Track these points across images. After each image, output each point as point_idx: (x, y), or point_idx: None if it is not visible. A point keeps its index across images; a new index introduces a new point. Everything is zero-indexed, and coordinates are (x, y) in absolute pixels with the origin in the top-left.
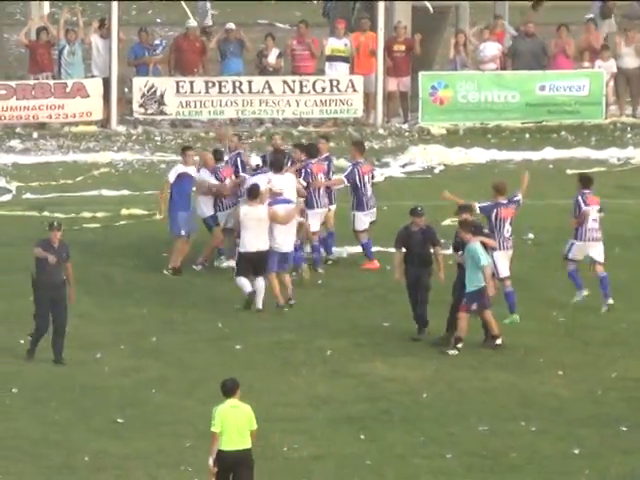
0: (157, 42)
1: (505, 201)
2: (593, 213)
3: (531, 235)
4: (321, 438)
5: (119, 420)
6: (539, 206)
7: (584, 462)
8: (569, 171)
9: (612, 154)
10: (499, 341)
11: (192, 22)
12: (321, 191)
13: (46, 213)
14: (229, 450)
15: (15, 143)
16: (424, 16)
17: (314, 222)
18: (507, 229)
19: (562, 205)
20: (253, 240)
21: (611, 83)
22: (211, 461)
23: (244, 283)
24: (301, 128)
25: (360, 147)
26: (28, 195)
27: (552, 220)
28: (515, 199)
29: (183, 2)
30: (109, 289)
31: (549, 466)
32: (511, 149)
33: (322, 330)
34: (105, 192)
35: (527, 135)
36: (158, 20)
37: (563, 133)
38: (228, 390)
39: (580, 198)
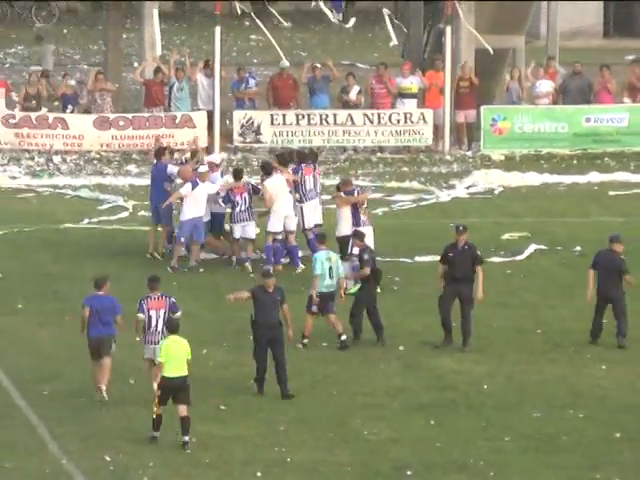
0: (247, 76)
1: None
2: None
3: (578, 247)
4: (396, 423)
5: (222, 407)
6: (585, 223)
7: (625, 445)
8: (611, 192)
9: None
10: (343, 337)
11: (285, 63)
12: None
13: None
14: (171, 376)
15: (131, 167)
16: (486, 57)
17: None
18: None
19: (605, 222)
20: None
21: None
22: (155, 385)
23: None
24: (379, 155)
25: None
26: (142, 212)
27: (596, 234)
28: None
29: (276, 45)
30: (215, 293)
31: (594, 448)
32: (561, 173)
33: (398, 330)
34: None
35: (575, 161)
36: (255, 60)
37: (606, 159)
38: (173, 328)
39: None
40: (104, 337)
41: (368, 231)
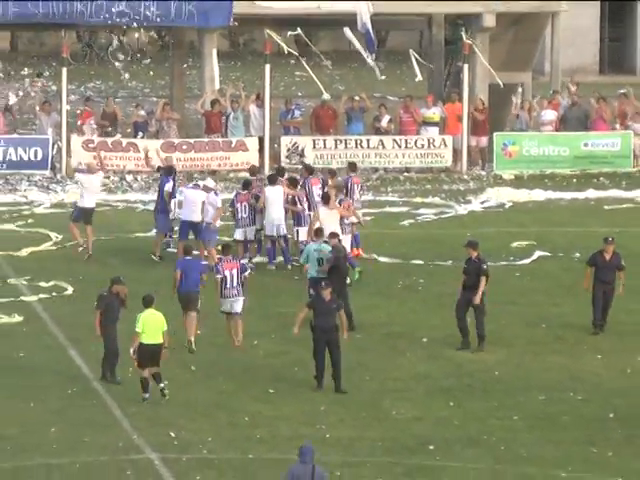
0: (293, 107)
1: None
2: None
3: (577, 254)
4: (420, 404)
5: (270, 390)
6: (583, 233)
7: (617, 423)
8: (606, 207)
9: (638, 194)
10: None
11: (326, 95)
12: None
13: None
14: (148, 343)
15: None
16: (497, 90)
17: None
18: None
19: (600, 232)
20: None
21: (637, 141)
22: (132, 351)
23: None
24: (406, 174)
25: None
26: None
27: (593, 243)
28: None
29: (318, 80)
30: (262, 292)
31: (590, 426)
32: (562, 190)
33: (422, 324)
34: None
35: (574, 180)
36: (299, 94)
37: (601, 179)
38: (148, 303)
39: None
40: (192, 294)
41: (348, 237)
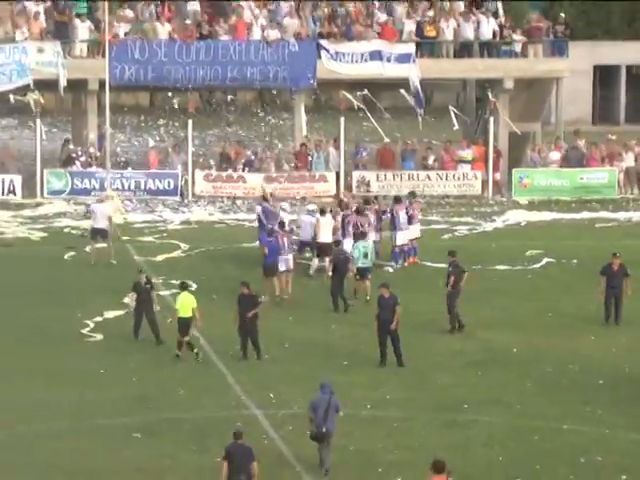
0: (361, 149)
1: None
2: None
3: (575, 261)
4: (456, 374)
5: (345, 363)
6: (580, 245)
7: (605, 389)
8: (597, 225)
9: (621, 216)
10: (368, 297)
11: (386, 140)
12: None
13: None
14: (183, 317)
15: (286, 206)
16: (515, 136)
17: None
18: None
19: (591, 245)
20: None
21: (621, 175)
22: (169, 320)
23: None
24: (446, 200)
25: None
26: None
27: (587, 252)
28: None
29: (380, 129)
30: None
31: (585, 390)
32: (564, 213)
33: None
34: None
35: (573, 205)
36: (366, 139)
37: (594, 203)
38: (184, 287)
39: None
40: (275, 265)
41: (349, 241)
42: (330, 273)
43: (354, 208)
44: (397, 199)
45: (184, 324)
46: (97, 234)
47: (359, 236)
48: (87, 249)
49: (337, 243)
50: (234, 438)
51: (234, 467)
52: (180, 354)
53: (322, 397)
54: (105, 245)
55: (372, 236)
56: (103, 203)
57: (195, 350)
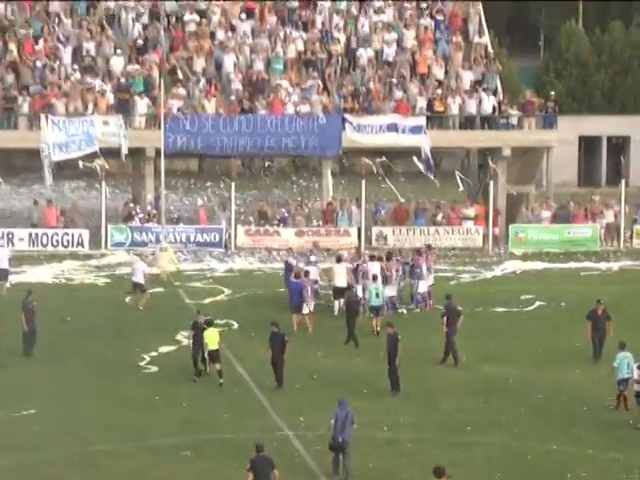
0: (380, 208)
1: None
2: None
3: (563, 304)
4: (460, 400)
5: (365, 391)
6: (567, 290)
7: (589, 414)
8: (582, 273)
9: (602, 266)
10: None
11: (400, 199)
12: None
13: None
14: (212, 349)
15: (313, 258)
16: (512, 196)
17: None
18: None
19: (577, 290)
20: None
21: (602, 230)
22: (205, 353)
23: None
24: (452, 252)
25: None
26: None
27: (574, 296)
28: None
29: (395, 190)
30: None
31: (571, 415)
32: (554, 263)
33: (462, 348)
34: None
35: (561, 256)
36: (384, 199)
37: (579, 255)
38: (209, 324)
39: None
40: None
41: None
42: (342, 311)
43: (366, 257)
44: (418, 251)
45: (214, 355)
46: (136, 286)
47: (386, 279)
48: (127, 300)
49: (350, 287)
50: (256, 451)
51: (258, 475)
52: (222, 381)
53: (340, 412)
54: (142, 294)
55: (395, 284)
56: (141, 261)
57: (221, 380)
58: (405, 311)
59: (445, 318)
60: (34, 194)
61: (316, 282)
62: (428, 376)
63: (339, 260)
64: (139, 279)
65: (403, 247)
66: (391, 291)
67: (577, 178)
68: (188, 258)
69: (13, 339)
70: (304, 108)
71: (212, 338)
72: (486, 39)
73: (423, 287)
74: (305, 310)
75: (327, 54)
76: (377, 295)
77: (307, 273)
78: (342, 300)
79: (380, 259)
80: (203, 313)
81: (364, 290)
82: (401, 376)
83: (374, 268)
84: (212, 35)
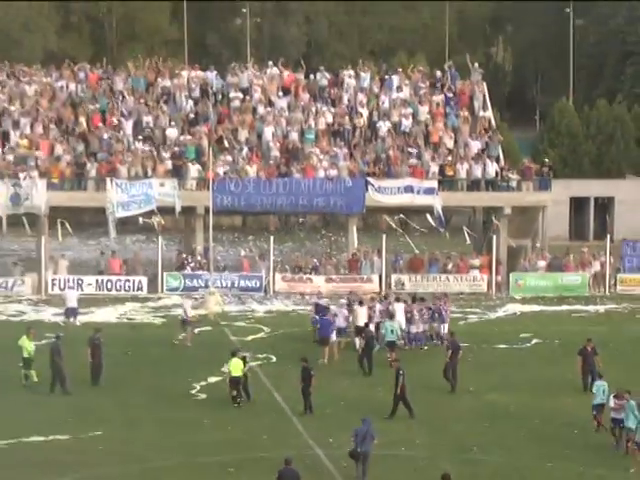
0: (398, 258)
1: None
2: None
3: (557, 341)
4: (468, 424)
5: (385, 417)
6: (561, 329)
7: (580, 436)
8: (573, 315)
9: (591, 308)
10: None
11: (416, 250)
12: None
13: None
14: (235, 375)
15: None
16: (512, 248)
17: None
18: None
19: (569, 329)
20: None
21: (590, 278)
22: (229, 386)
23: None
24: (460, 296)
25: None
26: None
27: (567, 335)
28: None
29: (412, 244)
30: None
31: (565, 438)
32: (549, 306)
33: (467, 380)
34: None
35: (555, 300)
36: (402, 250)
37: (570, 299)
38: (233, 354)
39: None
40: (326, 338)
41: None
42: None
43: (391, 299)
44: (439, 298)
45: (234, 381)
46: (184, 323)
47: (410, 319)
48: (180, 337)
49: (367, 325)
50: (285, 464)
51: None
52: (237, 405)
53: (362, 427)
54: (186, 332)
55: (421, 322)
56: (187, 298)
57: (238, 400)
58: (426, 347)
59: (450, 351)
60: (100, 246)
61: (335, 315)
62: (440, 403)
63: (361, 304)
64: (184, 315)
65: (425, 293)
66: (416, 328)
67: (568, 233)
68: (232, 301)
69: (84, 371)
70: (333, 172)
71: (235, 367)
72: (489, 113)
73: (446, 328)
74: (333, 338)
75: (352, 126)
76: (392, 331)
77: (334, 313)
78: (361, 337)
79: (405, 301)
80: (242, 349)
81: (378, 328)
82: (411, 402)
83: (398, 308)
84: (254, 110)
